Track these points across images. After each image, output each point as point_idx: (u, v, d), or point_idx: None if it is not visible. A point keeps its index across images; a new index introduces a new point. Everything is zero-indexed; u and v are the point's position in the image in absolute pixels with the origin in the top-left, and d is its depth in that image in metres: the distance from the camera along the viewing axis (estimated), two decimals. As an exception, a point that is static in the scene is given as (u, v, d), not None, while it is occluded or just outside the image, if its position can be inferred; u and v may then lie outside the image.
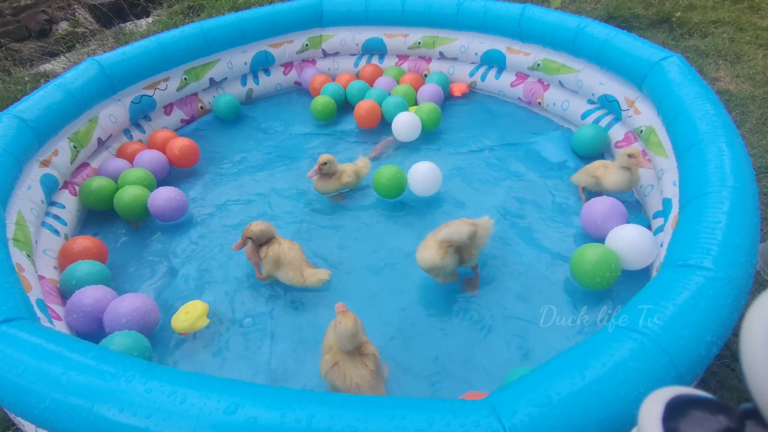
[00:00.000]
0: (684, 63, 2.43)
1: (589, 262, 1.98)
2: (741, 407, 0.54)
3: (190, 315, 1.97)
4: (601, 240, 2.20)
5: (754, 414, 0.51)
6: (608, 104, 2.87)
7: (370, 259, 2.36)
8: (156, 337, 2.03)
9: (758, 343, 0.48)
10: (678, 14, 4.17)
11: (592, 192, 2.57)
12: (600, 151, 2.87)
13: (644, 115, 2.59)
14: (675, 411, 0.57)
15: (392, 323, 2.05)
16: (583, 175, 2.55)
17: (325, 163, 2.52)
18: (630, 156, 2.31)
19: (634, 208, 2.52)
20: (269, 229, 2.20)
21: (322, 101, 3.30)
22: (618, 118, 2.87)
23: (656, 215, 2.31)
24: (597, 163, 2.51)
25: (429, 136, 3.19)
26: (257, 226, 2.17)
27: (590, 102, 3.03)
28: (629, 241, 2.03)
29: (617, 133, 2.83)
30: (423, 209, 2.64)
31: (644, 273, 2.17)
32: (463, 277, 2.21)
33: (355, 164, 2.72)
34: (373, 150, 3.08)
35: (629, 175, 2.36)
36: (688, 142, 2.03)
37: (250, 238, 2.16)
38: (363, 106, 3.19)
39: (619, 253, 2.04)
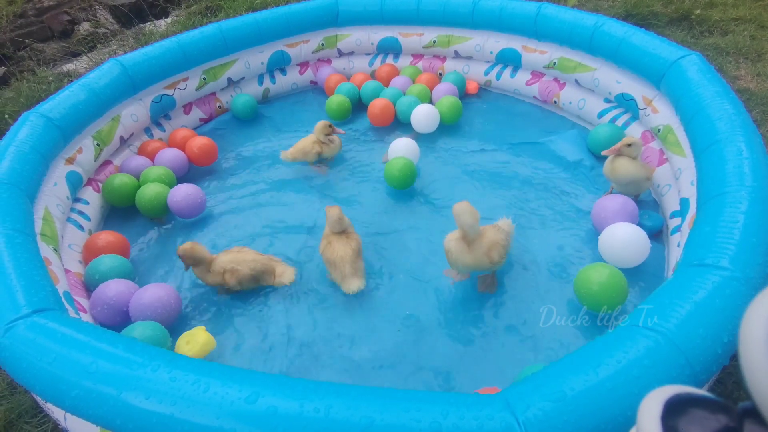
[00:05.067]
0: (703, 61, 2.40)
1: (596, 283, 1.90)
2: (739, 406, 0.55)
3: (188, 348, 1.92)
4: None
5: (753, 413, 0.51)
6: (625, 103, 2.84)
7: (383, 258, 2.38)
8: (176, 328, 2.09)
9: (757, 341, 0.48)
10: (698, 12, 4.10)
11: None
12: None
13: (662, 113, 2.57)
14: (674, 409, 0.57)
15: (407, 321, 2.08)
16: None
17: (330, 126, 2.91)
18: (629, 145, 2.30)
19: (651, 207, 2.50)
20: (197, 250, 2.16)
21: (337, 100, 3.33)
22: (635, 117, 2.84)
23: (673, 215, 2.29)
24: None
25: (444, 135, 3.20)
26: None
27: (607, 101, 3.01)
28: (621, 239, 2.07)
29: (634, 132, 2.80)
30: (435, 208, 2.65)
31: (659, 273, 2.16)
32: (474, 276, 2.22)
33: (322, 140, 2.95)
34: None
35: (634, 164, 2.34)
36: (707, 142, 2.01)
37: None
38: (377, 105, 3.22)
39: (611, 250, 2.10)
